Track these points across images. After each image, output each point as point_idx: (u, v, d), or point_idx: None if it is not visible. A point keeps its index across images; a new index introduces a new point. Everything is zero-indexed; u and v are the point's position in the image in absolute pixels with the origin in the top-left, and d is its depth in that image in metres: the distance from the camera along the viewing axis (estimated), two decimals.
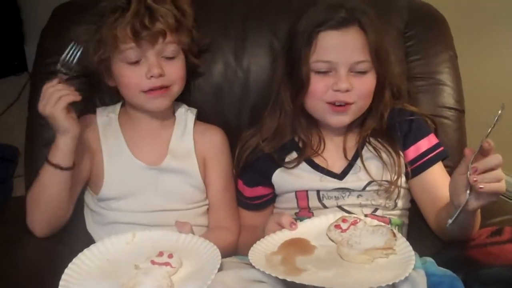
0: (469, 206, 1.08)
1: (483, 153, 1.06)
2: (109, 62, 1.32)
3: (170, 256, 1.11)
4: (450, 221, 1.09)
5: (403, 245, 1.12)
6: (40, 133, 1.43)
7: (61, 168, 1.25)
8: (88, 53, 1.31)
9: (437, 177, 1.33)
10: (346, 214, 1.22)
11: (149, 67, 1.29)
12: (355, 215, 1.21)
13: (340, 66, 1.26)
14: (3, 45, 3.09)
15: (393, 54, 1.44)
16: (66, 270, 1.10)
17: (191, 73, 1.43)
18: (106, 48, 1.29)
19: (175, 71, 1.33)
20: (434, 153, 1.35)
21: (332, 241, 1.16)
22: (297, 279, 1.02)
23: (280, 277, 1.02)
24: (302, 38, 1.29)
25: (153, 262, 1.10)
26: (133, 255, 1.15)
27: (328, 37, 1.27)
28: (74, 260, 1.13)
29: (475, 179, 1.04)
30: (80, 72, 1.40)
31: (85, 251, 1.16)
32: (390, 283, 1.00)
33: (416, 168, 1.34)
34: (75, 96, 1.23)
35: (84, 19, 1.33)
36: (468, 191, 1.07)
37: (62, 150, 1.25)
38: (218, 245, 1.16)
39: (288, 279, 1.02)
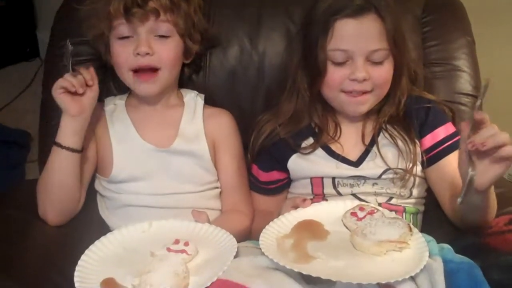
0: (478, 182, 1.06)
1: (477, 126, 1.04)
2: (107, 39, 1.33)
3: (186, 244, 1.11)
4: (459, 199, 1.07)
5: (418, 240, 1.10)
6: (54, 116, 1.41)
7: (62, 147, 1.25)
8: (86, 27, 1.34)
9: (454, 165, 1.30)
10: (364, 203, 1.21)
11: (137, 44, 1.29)
12: (373, 205, 1.19)
13: (357, 55, 1.25)
14: (15, 32, 3.09)
15: (410, 39, 1.43)
16: (82, 257, 1.11)
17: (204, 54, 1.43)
18: (100, 24, 1.30)
19: (164, 52, 1.31)
20: (451, 141, 1.32)
21: (347, 228, 1.15)
22: (305, 270, 1.00)
23: (288, 266, 1.00)
24: (318, 26, 1.27)
25: (169, 250, 1.10)
26: (149, 244, 1.14)
27: (344, 26, 1.25)
28: (91, 247, 1.13)
29: (472, 143, 1.03)
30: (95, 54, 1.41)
31: (102, 238, 1.16)
32: (400, 279, 0.98)
33: (433, 156, 1.32)
34: (69, 84, 1.23)
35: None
36: (470, 169, 1.05)
37: (63, 130, 1.25)
38: (234, 228, 1.16)
39: (295, 269, 1.00)
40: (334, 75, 1.27)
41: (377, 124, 1.35)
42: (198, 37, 1.39)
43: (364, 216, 1.14)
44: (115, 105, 1.41)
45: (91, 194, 1.39)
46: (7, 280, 1.11)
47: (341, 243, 1.11)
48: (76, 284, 1.05)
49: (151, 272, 1.04)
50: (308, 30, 1.31)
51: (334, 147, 1.34)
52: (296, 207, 1.20)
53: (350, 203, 1.20)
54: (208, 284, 1.01)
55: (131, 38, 1.30)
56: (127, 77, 1.33)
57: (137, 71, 1.31)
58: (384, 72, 1.28)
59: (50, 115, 1.45)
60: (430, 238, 1.11)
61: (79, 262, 1.09)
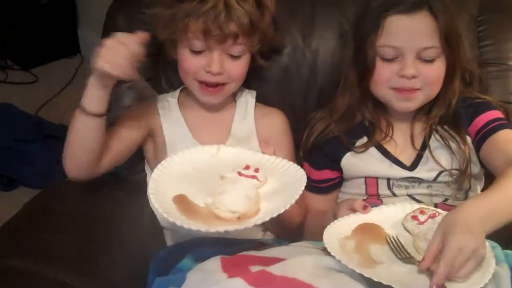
0: None
1: None
2: (176, 40, 1.30)
3: (256, 170, 1.13)
4: None
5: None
6: None
7: (87, 113, 1.18)
8: (157, 25, 1.31)
9: (510, 137, 1.26)
10: (424, 206, 1.18)
11: (209, 62, 1.27)
12: (433, 208, 1.17)
13: (407, 51, 1.23)
14: (57, 29, 3.14)
15: (466, 39, 1.40)
16: (155, 170, 1.13)
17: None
18: (175, 31, 1.27)
19: (235, 71, 1.31)
20: (504, 122, 1.29)
21: (407, 231, 1.13)
22: (374, 276, 0.98)
23: (357, 270, 0.99)
24: (369, 22, 1.27)
25: (240, 174, 1.11)
26: (218, 167, 1.15)
27: (395, 22, 1.24)
28: (163, 162, 1.15)
29: None
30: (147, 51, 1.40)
31: (172, 155, 1.18)
32: None
33: (486, 132, 1.27)
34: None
35: None
36: None
37: (89, 96, 1.18)
38: (292, 218, 1.17)
39: (365, 275, 0.98)
40: (383, 71, 1.26)
41: (427, 126, 1.32)
42: (268, 49, 1.38)
43: (426, 220, 1.12)
44: (168, 103, 1.39)
45: (143, 189, 1.38)
46: (49, 267, 1.15)
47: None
48: (150, 197, 1.07)
49: (224, 194, 1.06)
50: (359, 26, 1.31)
51: (388, 146, 1.33)
52: (353, 210, 1.17)
53: (410, 207, 1.18)
54: (282, 211, 1.02)
55: (203, 52, 1.28)
56: (192, 85, 1.32)
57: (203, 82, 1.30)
58: (435, 71, 1.26)
59: None
60: (495, 244, 1.08)
61: (152, 175, 1.11)
